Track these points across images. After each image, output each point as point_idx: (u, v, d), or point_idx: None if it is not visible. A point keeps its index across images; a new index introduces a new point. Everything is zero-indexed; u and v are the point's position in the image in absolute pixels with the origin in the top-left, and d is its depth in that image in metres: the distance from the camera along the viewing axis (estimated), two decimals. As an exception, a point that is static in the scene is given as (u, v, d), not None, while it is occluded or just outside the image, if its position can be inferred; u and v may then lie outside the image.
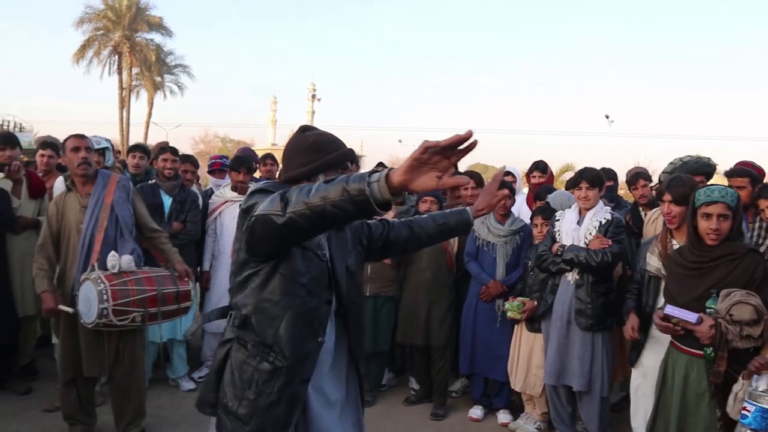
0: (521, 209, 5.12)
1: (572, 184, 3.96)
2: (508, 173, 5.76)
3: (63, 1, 74.01)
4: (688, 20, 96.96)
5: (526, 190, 5.83)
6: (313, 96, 47.05)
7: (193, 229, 4.72)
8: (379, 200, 1.45)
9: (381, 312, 4.52)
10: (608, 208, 3.90)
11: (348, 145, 2.03)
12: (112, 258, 3.33)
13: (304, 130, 2.03)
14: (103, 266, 3.33)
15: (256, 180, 5.31)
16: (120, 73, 34.77)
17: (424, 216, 2.35)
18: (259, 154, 6.88)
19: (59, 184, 4.45)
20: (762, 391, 2.33)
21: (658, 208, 3.91)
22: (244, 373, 1.86)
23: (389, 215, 4.24)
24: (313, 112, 46.62)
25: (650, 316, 3.10)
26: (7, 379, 4.44)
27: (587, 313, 3.66)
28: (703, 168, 4.21)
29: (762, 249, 3.48)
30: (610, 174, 5.15)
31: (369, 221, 2.22)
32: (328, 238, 2.01)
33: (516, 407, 4.37)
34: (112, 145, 5.24)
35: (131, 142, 22.72)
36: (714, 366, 2.58)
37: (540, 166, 5.47)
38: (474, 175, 4.87)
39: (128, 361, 3.54)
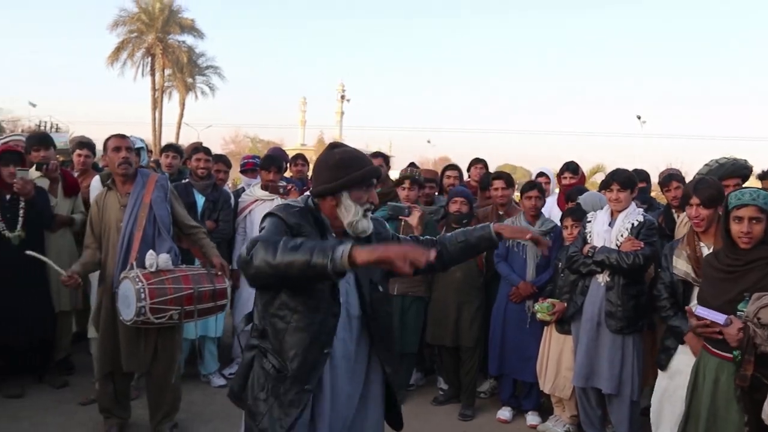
0: (552, 210, 5.10)
1: (604, 186, 3.92)
2: (542, 174, 5.73)
3: (98, 5, 75.85)
4: (722, 17, 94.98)
5: (557, 191, 5.79)
6: (342, 96, 47.34)
7: (225, 228, 4.80)
8: (338, 271, 1.71)
9: (409, 312, 4.52)
10: (641, 210, 3.85)
11: (375, 152, 2.09)
12: (150, 256, 3.39)
13: (333, 147, 2.16)
14: (142, 264, 3.40)
15: (287, 180, 5.38)
16: (153, 75, 35.55)
17: (449, 235, 2.41)
18: (289, 154, 6.97)
19: (96, 183, 4.54)
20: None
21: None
22: (260, 376, 2.06)
23: (416, 214, 4.21)
24: (342, 113, 46.89)
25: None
26: (44, 373, 4.55)
27: (618, 315, 3.63)
28: (740, 170, 4.11)
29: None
30: (642, 175, 5.08)
31: (420, 238, 2.40)
32: None
33: (545, 409, 4.34)
34: (146, 145, 5.36)
35: (164, 142, 23.14)
36: (740, 369, 2.53)
37: (571, 167, 5.43)
38: (503, 175, 4.85)
39: (166, 358, 3.60)
